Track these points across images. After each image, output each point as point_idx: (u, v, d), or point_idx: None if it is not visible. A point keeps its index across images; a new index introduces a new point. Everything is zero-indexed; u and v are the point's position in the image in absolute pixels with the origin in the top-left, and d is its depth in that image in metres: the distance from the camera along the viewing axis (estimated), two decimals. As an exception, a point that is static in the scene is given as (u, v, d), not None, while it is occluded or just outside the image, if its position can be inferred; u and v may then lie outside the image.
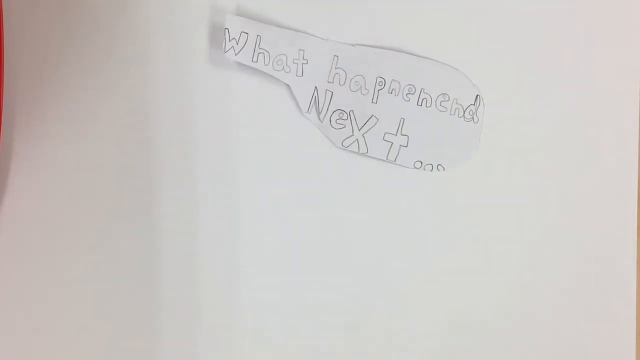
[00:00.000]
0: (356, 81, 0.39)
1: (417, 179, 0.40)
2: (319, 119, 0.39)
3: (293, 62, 0.39)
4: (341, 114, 0.40)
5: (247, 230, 0.39)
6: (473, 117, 0.40)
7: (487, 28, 0.40)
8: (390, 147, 0.40)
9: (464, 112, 0.40)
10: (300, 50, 0.39)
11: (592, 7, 0.41)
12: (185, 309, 0.39)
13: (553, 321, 0.41)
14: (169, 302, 0.39)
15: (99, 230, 0.38)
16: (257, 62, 0.39)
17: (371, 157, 0.40)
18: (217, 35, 0.39)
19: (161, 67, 0.39)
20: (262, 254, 0.39)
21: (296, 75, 0.39)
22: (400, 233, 0.40)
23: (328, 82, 0.39)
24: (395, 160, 0.40)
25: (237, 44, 0.38)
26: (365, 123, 0.40)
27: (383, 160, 0.40)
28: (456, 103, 0.40)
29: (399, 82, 0.40)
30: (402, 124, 0.40)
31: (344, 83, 0.39)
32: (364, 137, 0.40)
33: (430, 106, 0.40)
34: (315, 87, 0.39)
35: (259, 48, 0.39)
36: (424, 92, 0.40)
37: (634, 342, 0.41)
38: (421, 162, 0.40)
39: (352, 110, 0.40)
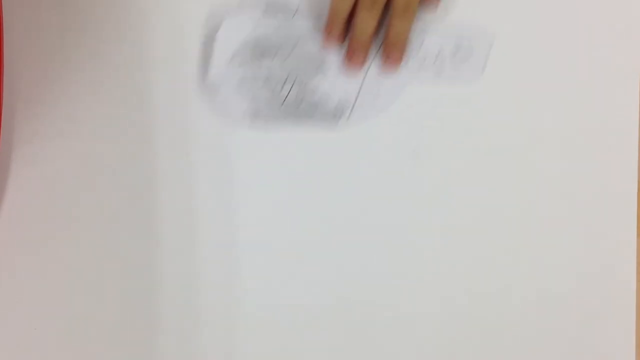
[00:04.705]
0: None
1: (416, 174, 0.40)
2: None
3: None
4: None
5: (246, 228, 0.39)
6: None
7: (486, 27, 0.40)
8: None
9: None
10: None
11: (592, 7, 0.41)
12: (185, 309, 0.39)
13: (553, 321, 0.41)
14: (169, 302, 0.39)
15: (98, 230, 0.38)
16: None
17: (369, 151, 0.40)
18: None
19: (161, 68, 0.39)
20: (261, 252, 0.39)
21: None
22: (400, 230, 0.40)
23: None
24: None
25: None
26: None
27: (382, 158, 0.40)
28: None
29: None
30: None
31: None
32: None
33: None
34: None
35: None
36: None
37: (633, 342, 0.41)
38: None
39: None
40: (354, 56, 0.39)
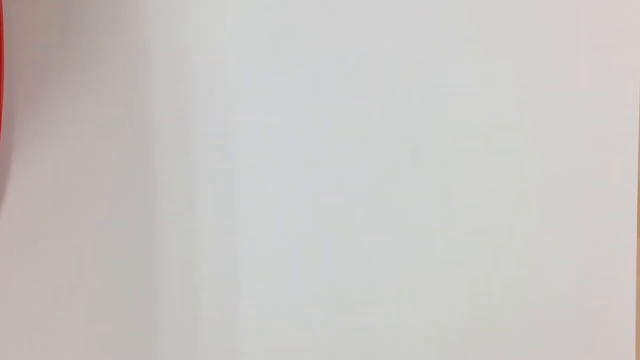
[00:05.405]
0: None
1: (417, 173, 0.40)
2: None
3: None
4: None
5: (246, 228, 0.39)
6: None
7: (487, 27, 0.40)
8: None
9: None
10: None
11: (592, 8, 0.41)
12: (185, 309, 0.39)
13: (553, 321, 0.41)
14: (169, 302, 0.39)
15: (98, 230, 0.38)
16: None
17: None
18: (215, 35, 0.39)
19: (161, 67, 0.39)
20: (261, 251, 0.39)
21: None
22: (400, 231, 0.40)
23: None
24: None
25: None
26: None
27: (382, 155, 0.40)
28: None
29: None
30: None
31: None
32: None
33: None
34: None
35: None
36: None
37: (633, 342, 0.41)
38: None
39: None
40: None
